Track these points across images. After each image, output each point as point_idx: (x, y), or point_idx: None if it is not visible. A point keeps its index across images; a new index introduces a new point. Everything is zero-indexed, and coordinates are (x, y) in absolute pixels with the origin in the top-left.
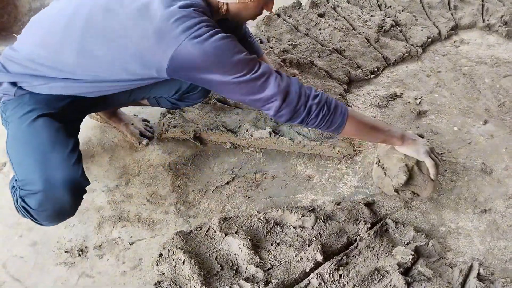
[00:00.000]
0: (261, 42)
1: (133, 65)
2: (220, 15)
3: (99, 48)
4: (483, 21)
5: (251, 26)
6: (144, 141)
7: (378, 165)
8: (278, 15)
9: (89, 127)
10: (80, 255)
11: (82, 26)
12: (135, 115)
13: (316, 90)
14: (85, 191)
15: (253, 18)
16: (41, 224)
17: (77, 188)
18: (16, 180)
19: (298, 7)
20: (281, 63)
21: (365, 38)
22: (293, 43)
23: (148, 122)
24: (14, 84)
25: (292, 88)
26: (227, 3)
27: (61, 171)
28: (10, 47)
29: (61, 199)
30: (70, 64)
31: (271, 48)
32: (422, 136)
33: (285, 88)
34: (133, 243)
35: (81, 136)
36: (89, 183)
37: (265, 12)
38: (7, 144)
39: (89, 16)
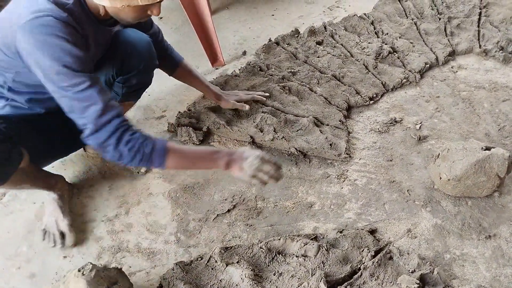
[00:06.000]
0: (261, 70)
1: (7, 50)
2: (101, 15)
3: None
4: (480, 46)
5: (251, 54)
6: (143, 169)
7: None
8: (277, 43)
9: (90, 156)
10: None
11: None
12: None
13: (134, 133)
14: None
15: (137, 21)
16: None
17: None
18: None
19: (296, 35)
20: (280, 90)
21: (363, 64)
22: (292, 71)
23: None
24: None
25: (108, 125)
26: (103, 5)
27: None
28: None
29: None
30: None
31: (270, 75)
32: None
33: (100, 123)
34: (132, 274)
35: (82, 165)
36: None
37: (155, 17)
38: None
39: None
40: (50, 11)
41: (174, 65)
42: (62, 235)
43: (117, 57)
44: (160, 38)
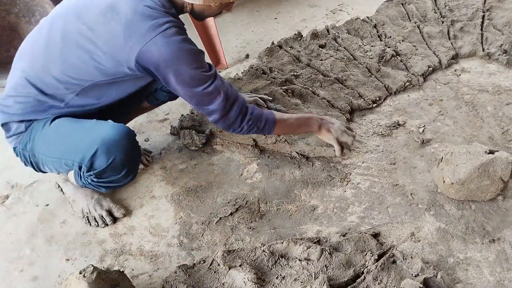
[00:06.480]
0: (264, 73)
1: (105, 64)
2: (184, 12)
3: (74, 55)
4: (483, 50)
5: (254, 57)
6: (140, 166)
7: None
8: (280, 46)
9: None
10: None
11: (60, 40)
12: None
13: (252, 111)
14: (134, 133)
15: (214, 16)
16: (127, 181)
17: (126, 130)
18: (78, 170)
19: (299, 39)
20: (283, 93)
21: (366, 68)
22: (295, 74)
23: (151, 152)
24: (21, 121)
25: (233, 108)
26: (192, 3)
27: (107, 125)
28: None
29: (120, 142)
30: (55, 82)
31: (273, 78)
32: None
33: (227, 107)
34: (135, 277)
35: None
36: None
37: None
38: (43, 162)
39: (64, 28)
40: (171, 23)
41: None
42: (108, 213)
43: None
44: None
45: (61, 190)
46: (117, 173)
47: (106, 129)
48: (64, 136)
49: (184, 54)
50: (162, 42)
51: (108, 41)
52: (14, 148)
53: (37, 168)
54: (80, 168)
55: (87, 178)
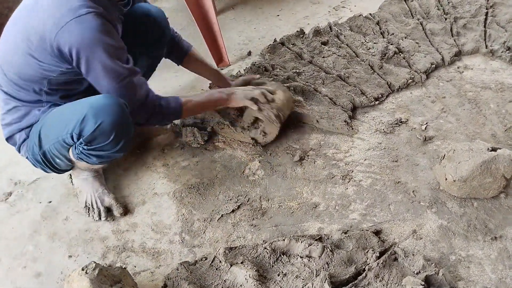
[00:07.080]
0: (266, 70)
1: (41, 59)
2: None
3: (21, 58)
4: (486, 47)
5: (256, 54)
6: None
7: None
8: (282, 43)
9: None
10: None
11: (13, 45)
12: None
13: (161, 106)
14: (125, 104)
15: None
16: (116, 150)
17: (115, 98)
18: (72, 141)
19: (301, 36)
20: None
21: (369, 65)
22: (297, 71)
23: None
24: (20, 130)
25: (145, 108)
26: None
27: (97, 96)
28: None
29: (108, 106)
30: (19, 88)
31: (275, 75)
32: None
33: (139, 105)
34: (137, 273)
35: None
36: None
37: None
38: (52, 153)
39: (14, 31)
40: (89, 8)
41: (183, 54)
42: (106, 209)
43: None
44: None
45: (71, 182)
46: (105, 138)
47: (96, 98)
48: (58, 115)
49: (98, 44)
50: (74, 28)
51: (36, 33)
52: (27, 158)
53: (53, 167)
54: (72, 138)
55: (79, 146)
